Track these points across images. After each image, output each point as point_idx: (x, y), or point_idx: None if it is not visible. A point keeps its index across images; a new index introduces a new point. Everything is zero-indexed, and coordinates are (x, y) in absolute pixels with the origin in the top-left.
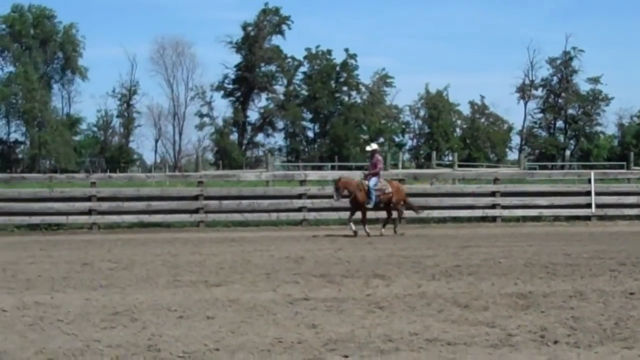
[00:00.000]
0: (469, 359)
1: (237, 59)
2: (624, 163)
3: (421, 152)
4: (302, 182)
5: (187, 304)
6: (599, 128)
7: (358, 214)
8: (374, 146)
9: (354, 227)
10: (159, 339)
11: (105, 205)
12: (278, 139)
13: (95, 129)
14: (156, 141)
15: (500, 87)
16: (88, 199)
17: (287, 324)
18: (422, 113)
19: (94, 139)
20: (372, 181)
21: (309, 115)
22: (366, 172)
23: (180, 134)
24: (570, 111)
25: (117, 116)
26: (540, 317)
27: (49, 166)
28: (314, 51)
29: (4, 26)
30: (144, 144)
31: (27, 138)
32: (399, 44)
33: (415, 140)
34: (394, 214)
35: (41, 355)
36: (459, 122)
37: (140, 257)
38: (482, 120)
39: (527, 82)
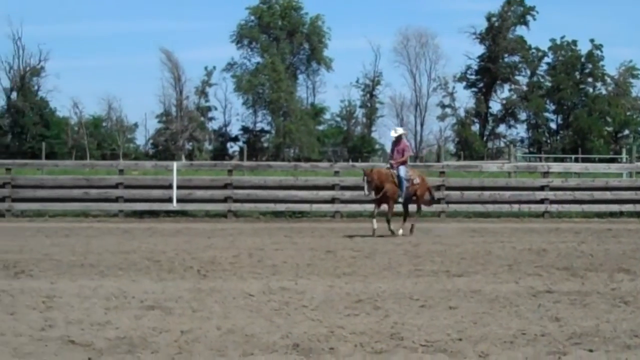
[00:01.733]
0: None
1: (480, 49)
2: None
3: None
4: (545, 174)
5: (429, 293)
6: None
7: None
8: (400, 130)
9: (376, 224)
10: (402, 327)
11: (347, 194)
12: (520, 130)
13: (338, 118)
14: None
15: None
16: (331, 187)
17: (530, 317)
18: None
19: (337, 129)
20: (402, 170)
21: (551, 107)
22: (392, 161)
23: (421, 125)
24: None
25: (360, 106)
26: None
27: (293, 155)
28: (558, 42)
29: (252, 18)
30: (386, 134)
31: (273, 127)
32: None
33: None
34: (410, 209)
35: (287, 339)
36: None
37: (381, 246)
38: None
39: None
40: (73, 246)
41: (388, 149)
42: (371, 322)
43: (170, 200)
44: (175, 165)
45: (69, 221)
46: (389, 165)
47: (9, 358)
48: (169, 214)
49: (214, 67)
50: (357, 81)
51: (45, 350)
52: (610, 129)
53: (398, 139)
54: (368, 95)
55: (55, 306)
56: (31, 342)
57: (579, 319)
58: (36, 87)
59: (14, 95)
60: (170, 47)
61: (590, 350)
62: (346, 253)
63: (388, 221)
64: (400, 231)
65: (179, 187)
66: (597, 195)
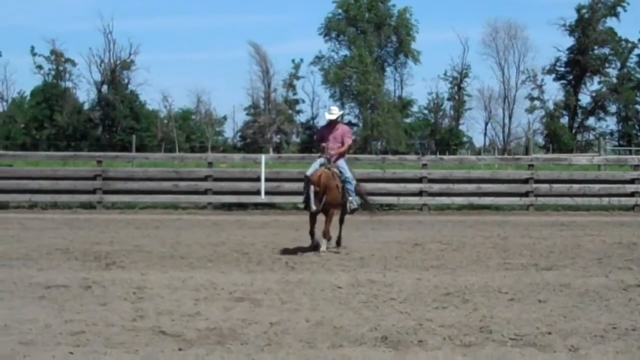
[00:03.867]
0: None
1: (569, 41)
2: None
3: None
4: (635, 167)
5: (518, 287)
6: None
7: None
8: (337, 112)
9: (324, 246)
10: (491, 320)
11: (435, 187)
12: (610, 123)
13: (426, 111)
14: (486, 124)
15: None
16: (419, 180)
17: (620, 311)
18: None
19: (425, 121)
20: (343, 166)
21: None
22: (330, 151)
23: (510, 117)
24: None
25: (448, 99)
26: None
27: (380, 147)
28: None
29: (340, 11)
30: (473, 127)
31: (360, 120)
32: None
33: None
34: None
35: (375, 332)
36: None
37: (470, 239)
38: None
39: None
40: (163, 238)
41: (476, 142)
42: (460, 315)
43: (258, 192)
44: (263, 157)
45: (159, 213)
46: (324, 159)
47: (101, 348)
48: (257, 206)
49: (302, 60)
50: (444, 74)
51: (136, 341)
52: None
53: (333, 123)
54: (456, 87)
55: (146, 297)
56: (122, 332)
57: None
58: (126, 81)
59: (104, 88)
60: (259, 41)
61: None
62: (434, 246)
63: (325, 236)
64: (324, 247)
65: (267, 180)
66: None
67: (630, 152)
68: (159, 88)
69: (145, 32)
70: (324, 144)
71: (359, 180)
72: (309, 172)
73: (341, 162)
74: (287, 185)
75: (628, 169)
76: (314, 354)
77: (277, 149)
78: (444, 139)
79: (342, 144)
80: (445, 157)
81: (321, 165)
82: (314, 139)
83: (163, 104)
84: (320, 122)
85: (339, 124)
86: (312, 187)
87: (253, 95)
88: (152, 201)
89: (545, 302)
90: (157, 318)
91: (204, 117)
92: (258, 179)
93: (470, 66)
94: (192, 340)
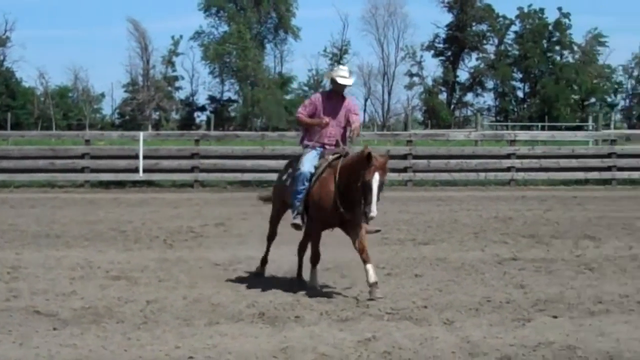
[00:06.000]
0: None
1: (448, 18)
2: None
3: (634, 112)
4: (511, 142)
5: (395, 262)
6: None
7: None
8: (347, 76)
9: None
10: (368, 295)
11: None
12: (487, 99)
13: (306, 88)
14: (365, 100)
15: None
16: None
17: (495, 284)
18: (635, 73)
19: (305, 98)
20: (308, 155)
21: (519, 75)
22: (352, 135)
23: (389, 94)
24: None
25: None
26: None
27: (261, 124)
28: (526, 10)
29: None
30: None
31: (240, 96)
32: (614, 1)
33: (627, 101)
34: None
35: (253, 308)
36: None
37: None
38: None
39: None
40: (38, 217)
41: (375, 106)
42: (337, 291)
43: (136, 170)
44: (141, 135)
45: (35, 192)
46: (319, 148)
47: None
48: (135, 184)
49: (181, 37)
50: (324, 50)
51: (10, 321)
52: (576, 97)
53: (338, 94)
54: (336, 64)
55: (20, 277)
56: None
57: (543, 286)
58: (1, 58)
59: None
60: (138, 17)
61: (555, 317)
62: None
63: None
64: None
65: (145, 157)
66: (563, 163)
67: (507, 128)
68: (35, 65)
69: (21, 8)
70: (326, 119)
71: (239, 157)
72: (305, 168)
73: (307, 154)
74: (166, 163)
75: (504, 144)
76: (191, 331)
77: (156, 126)
78: None
79: (345, 127)
80: None
81: (320, 157)
82: (300, 113)
83: (39, 81)
84: (200, 100)
85: (345, 97)
86: (375, 178)
87: (132, 72)
88: (28, 180)
89: (421, 277)
90: (31, 298)
91: (81, 94)
92: (136, 157)
93: (350, 43)
94: (67, 320)
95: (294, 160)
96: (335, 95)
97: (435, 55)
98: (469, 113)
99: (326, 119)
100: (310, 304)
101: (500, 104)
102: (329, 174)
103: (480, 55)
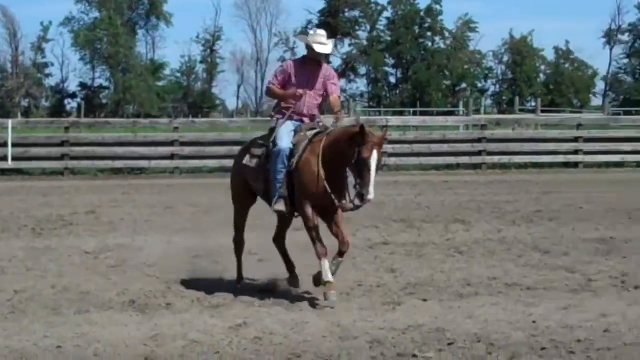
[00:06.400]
0: (548, 303)
1: (320, 4)
2: None
3: (503, 97)
4: (383, 127)
5: (267, 247)
6: None
7: None
8: (326, 42)
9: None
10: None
11: (187, 150)
12: (360, 85)
13: (178, 74)
14: (238, 87)
15: (585, 32)
16: (170, 143)
17: (366, 268)
18: (505, 58)
19: (177, 85)
20: (282, 128)
21: (391, 61)
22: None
23: (262, 80)
24: None
25: (200, 62)
26: (621, 263)
27: (133, 111)
28: None
29: None
30: (226, 90)
31: (111, 83)
32: None
33: (497, 86)
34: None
35: (123, 296)
36: (542, 67)
37: (220, 201)
38: (567, 65)
39: (613, 27)
40: None
41: (229, 104)
42: (209, 278)
43: (5, 158)
44: (10, 122)
45: None
46: (296, 121)
47: None
48: (3, 172)
49: (50, 23)
50: (197, 36)
51: None
52: (448, 82)
53: (314, 61)
54: (208, 50)
55: None
56: None
57: (414, 270)
58: None
59: None
60: (6, 2)
61: (424, 300)
62: (185, 209)
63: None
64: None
65: (14, 145)
66: (434, 147)
67: (379, 113)
68: None
69: None
70: (300, 91)
71: (109, 145)
72: (283, 144)
73: (282, 127)
74: (35, 150)
75: (376, 129)
76: (60, 320)
77: (26, 113)
78: (197, 101)
79: (323, 96)
80: (197, 119)
81: (295, 132)
82: (271, 82)
83: None
84: (71, 87)
85: (321, 63)
86: (373, 156)
87: (0, 58)
88: None
89: (294, 262)
90: None
91: None
92: (4, 144)
93: (223, 29)
94: None
95: (259, 139)
96: (310, 61)
97: None
98: (342, 99)
99: (300, 91)
100: (182, 291)
101: (372, 90)
102: (311, 153)
103: (353, 41)
